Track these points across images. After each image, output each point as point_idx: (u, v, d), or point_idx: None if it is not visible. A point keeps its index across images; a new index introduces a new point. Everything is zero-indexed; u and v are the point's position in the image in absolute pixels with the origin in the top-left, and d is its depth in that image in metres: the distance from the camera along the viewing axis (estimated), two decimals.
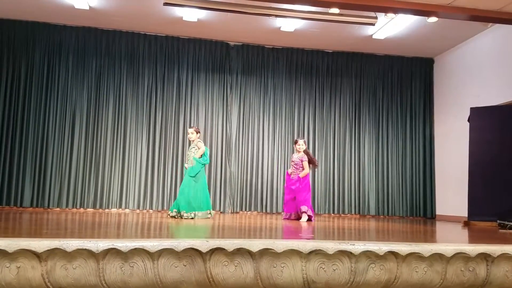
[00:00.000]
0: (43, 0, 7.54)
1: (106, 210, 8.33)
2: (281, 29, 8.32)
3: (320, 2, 6.03)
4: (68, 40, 8.60)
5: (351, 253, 2.66)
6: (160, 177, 8.69)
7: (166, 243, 2.49)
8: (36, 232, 3.33)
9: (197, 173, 6.31)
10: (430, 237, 4.29)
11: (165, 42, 8.96)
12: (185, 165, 6.64)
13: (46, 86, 8.44)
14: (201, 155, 6.40)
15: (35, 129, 8.30)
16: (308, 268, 2.63)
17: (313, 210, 7.05)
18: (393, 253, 2.72)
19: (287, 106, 9.33)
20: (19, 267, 2.35)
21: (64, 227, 3.91)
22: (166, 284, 2.50)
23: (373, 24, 7.18)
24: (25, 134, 8.23)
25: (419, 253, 2.74)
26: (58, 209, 8.16)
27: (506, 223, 6.02)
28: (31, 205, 8.10)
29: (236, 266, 2.57)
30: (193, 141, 6.54)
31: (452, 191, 8.84)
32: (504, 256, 2.89)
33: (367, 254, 2.68)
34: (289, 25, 8.13)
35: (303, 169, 6.88)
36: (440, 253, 2.77)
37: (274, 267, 2.60)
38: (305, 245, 2.63)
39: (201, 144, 6.47)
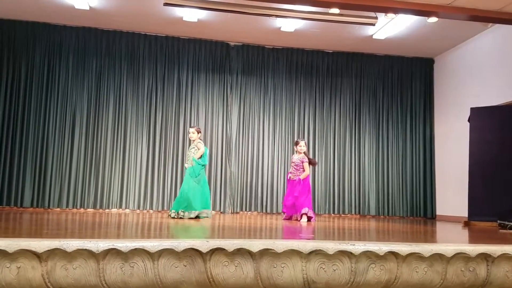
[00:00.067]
0: (43, 0, 7.54)
1: (106, 210, 8.33)
2: (281, 29, 8.32)
3: (320, 2, 6.03)
4: (68, 40, 8.60)
5: (351, 253, 2.66)
6: (160, 177, 8.69)
7: (166, 243, 2.49)
8: (36, 232, 3.33)
9: (198, 174, 6.31)
10: (430, 237, 4.29)
11: (165, 42, 8.96)
12: (185, 164, 6.64)
13: (46, 86, 8.44)
14: (201, 156, 6.39)
15: (35, 129, 8.30)
16: (308, 268, 2.63)
17: (314, 212, 7.04)
18: (393, 253, 2.72)
19: (287, 106, 9.33)
20: (19, 267, 2.35)
21: (64, 227, 3.91)
22: (166, 284, 2.50)
23: (373, 24, 7.18)
24: (25, 134, 8.23)
25: (419, 253, 2.74)
26: (58, 209, 8.16)
27: (506, 223, 6.02)
28: (31, 206, 8.11)
29: (236, 266, 2.57)
30: (193, 140, 6.53)
31: (452, 191, 8.84)
32: (504, 256, 2.89)
33: (367, 254, 2.68)
34: (289, 25, 8.13)
35: (304, 170, 6.87)
36: (440, 253, 2.77)
37: (274, 267, 2.60)
38: (305, 245, 2.63)
39: (201, 145, 6.46)
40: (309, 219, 6.55)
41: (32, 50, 8.45)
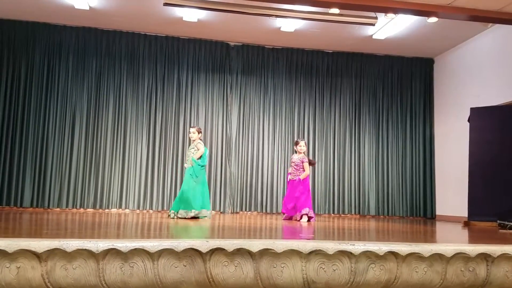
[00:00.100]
0: (43, 0, 7.54)
1: (106, 210, 8.33)
2: (281, 29, 8.32)
3: (320, 2, 6.03)
4: (68, 40, 8.60)
5: (351, 253, 2.66)
6: (160, 177, 8.69)
7: (166, 243, 2.49)
8: (36, 232, 3.33)
9: (197, 175, 6.31)
10: (430, 237, 4.29)
11: (165, 42, 8.96)
12: (185, 164, 6.64)
13: (46, 86, 8.45)
14: (200, 157, 6.38)
15: (35, 129, 8.30)
16: (308, 268, 2.63)
17: (314, 212, 7.04)
18: (393, 253, 2.72)
19: (287, 106, 9.33)
20: (19, 267, 2.35)
21: (64, 227, 3.91)
22: (166, 284, 2.50)
23: (373, 24, 7.18)
24: (25, 134, 8.23)
25: (419, 253, 2.74)
26: (58, 209, 8.16)
27: (506, 223, 6.02)
28: (31, 206, 8.11)
29: (236, 266, 2.57)
30: (194, 140, 6.52)
31: (452, 191, 8.84)
32: (504, 256, 2.88)
33: (367, 254, 2.68)
34: (289, 25, 8.13)
35: (304, 170, 6.87)
36: (440, 253, 2.77)
37: (274, 267, 2.60)
38: (305, 245, 2.63)
39: (201, 146, 6.44)
40: (309, 219, 6.55)
41: (32, 50, 8.45)
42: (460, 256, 2.81)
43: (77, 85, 8.58)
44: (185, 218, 6.07)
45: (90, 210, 8.24)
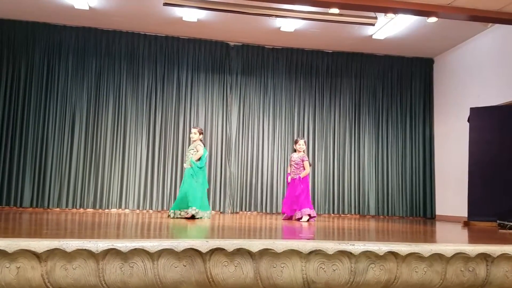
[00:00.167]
0: (43, 0, 7.54)
1: (106, 210, 8.33)
2: (281, 29, 8.32)
3: (320, 2, 6.03)
4: (68, 40, 8.60)
5: (351, 253, 2.66)
6: (160, 177, 8.69)
7: (166, 244, 2.49)
8: (36, 232, 3.33)
9: (198, 176, 6.30)
10: (430, 237, 4.29)
11: (165, 42, 8.96)
12: (184, 165, 6.63)
13: (46, 86, 8.45)
14: (199, 158, 6.37)
15: (35, 129, 8.30)
16: (308, 268, 2.63)
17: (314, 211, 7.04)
18: (393, 253, 2.72)
19: (287, 106, 9.33)
20: (19, 267, 2.35)
21: (64, 228, 3.91)
22: (166, 284, 2.50)
23: (373, 24, 7.18)
24: (25, 134, 8.23)
25: (419, 253, 2.74)
26: (58, 209, 8.16)
27: (506, 223, 6.02)
28: (31, 205, 8.11)
29: (236, 266, 2.57)
30: (194, 141, 6.51)
31: (452, 191, 8.84)
32: (504, 256, 2.88)
33: (367, 254, 2.68)
34: (289, 25, 8.14)
35: (304, 169, 6.87)
36: (440, 253, 2.77)
37: (274, 267, 2.60)
38: (305, 245, 2.63)
39: (200, 147, 6.41)
40: (309, 218, 6.57)
41: (31, 50, 8.45)
42: (460, 256, 2.81)
43: (77, 85, 8.58)
44: (185, 217, 6.07)
45: (90, 210, 8.24)
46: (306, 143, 7.32)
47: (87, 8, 7.69)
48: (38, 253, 2.35)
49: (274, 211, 8.94)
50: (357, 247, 2.67)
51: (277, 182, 9.07)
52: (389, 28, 8.12)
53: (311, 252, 2.63)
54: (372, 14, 6.88)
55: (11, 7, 7.88)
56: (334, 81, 9.58)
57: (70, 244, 2.38)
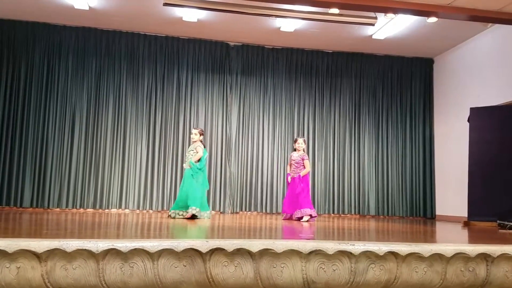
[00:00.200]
0: (43, 0, 7.54)
1: (106, 210, 8.33)
2: (281, 29, 8.32)
3: (320, 2, 6.03)
4: (68, 40, 8.60)
5: (351, 253, 2.66)
6: (160, 177, 8.69)
7: (166, 244, 2.49)
8: (36, 233, 3.33)
9: (198, 176, 6.30)
10: (430, 237, 4.29)
11: (165, 42, 8.96)
12: (184, 165, 6.63)
13: (46, 86, 8.45)
14: (198, 160, 6.36)
15: (35, 129, 8.30)
16: (308, 268, 2.63)
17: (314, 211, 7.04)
18: (393, 253, 2.72)
19: (287, 106, 9.33)
20: (19, 267, 2.35)
21: (64, 228, 3.91)
22: (166, 284, 2.50)
23: (373, 24, 7.18)
24: (25, 134, 8.23)
25: (419, 253, 2.74)
26: (58, 209, 8.16)
27: (506, 223, 6.02)
28: (31, 206, 8.11)
29: (236, 266, 2.57)
30: (195, 142, 6.50)
31: (452, 191, 8.84)
32: (504, 256, 2.89)
33: (367, 254, 2.68)
34: (289, 25, 8.14)
35: (304, 167, 6.88)
36: (440, 253, 2.77)
37: (274, 267, 2.60)
38: (305, 245, 2.63)
39: (200, 149, 6.39)
40: (311, 218, 6.58)
41: (31, 50, 8.45)
42: (460, 256, 2.81)
43: (77, 85, 8.58)
44: (185, 217, 6.07)
45: (90, 210, 8.24)
46: (306, 142, 7.31)
47: (87, 8, 7.69)
48: (38, 253, 2.35)
49: (274, 211, 8.94)
50: (357, 247, 2.67)
51: (277, 182, 9.07)
52: (389, 28, 8.12)
53: (311, 252, 2.63)
54: (372, 14, 6.88)
55: (11, 7, 7.88)
56: (334, 81, 9.58)
57: (70, 244, 2.38)
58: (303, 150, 7.04)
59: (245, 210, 8.94)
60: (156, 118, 8.81)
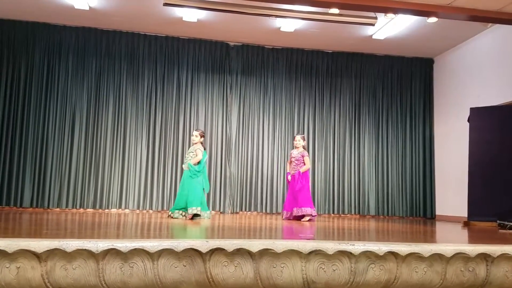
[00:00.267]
0: (43, 0, 7.54)
1: (106, 210, 8.33)
2: (281, 29, 8.32)
3: (320, 2, 6.03)
4: (68, 40, 8.60)
5: (351, 253, 2.66)
6: (160, 177, 8.69)
7: (166, 244, 2.49)
8: (36, 233, 3.33)
9: (197, 178, 6.30)
10: (430, 237, 4.29)
11: (165, 42, 8.96)
12: (183, 165, 6.63)
13: (46, 86, 8.45)
14: (198, 162, 6.35)
15: (35, 129, 8.30)
16: (308, 269, 2.63)
17: (315, 209, 7.03)
18: (393, 253, 2.72)
19: (287, 107, 9.33)
20: (19, 267, 2.35)
21: (64, 228, 3.91)
22: (166, 284, 2.51)
23: (373, 25, 7.18)
24: (25, 134, 8.23)
25: (419, 253, 2.74)
26: (58, 209, 8.16)
27: (506, 223, 6.02)
28: (31, 206, 8.10)
29: (236, 266, 2.57)
30: (195, 143, 6.49)
31: (452, 191, 8.84)
32: (504, 256, 2.89)
33: (367, 254, 2.68)
34: (289, 25, 8.14)
35: (304, 164, 6.88)
36: (440, 253, 2.77)
37: (274, 267, 2.61)
38: (305, 245, 2.63)
39: (200, 151, 6.36)
40: (311, 218, 6.58)
41: (32, 50, 8.45)
42: (460, 256, 2.81)
43: (77, 85, 8.58)
44: (186, 217, 6.07)
45: (90, 210, 8.24)
46: (305, 138, 7.30)
47: (87, 8, 7.70)
48: (38, 253, 2.35)
49: (274, 211, 8.94)
50: (357, 247, 2.68)
51: (277, 182, 9.07)
52: (389, 28, 8.12)
53: (311, 252, 2.63)
54: (372, 14, 6.88)
55: (11, 7, 7.88)
56: (334, 81, 9.58)
57: (70, 244, 2.38)
58: (303, 147, 7.04)
59: (245, 210, 8.94)
60: (156, 118, 8.81)
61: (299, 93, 9.41)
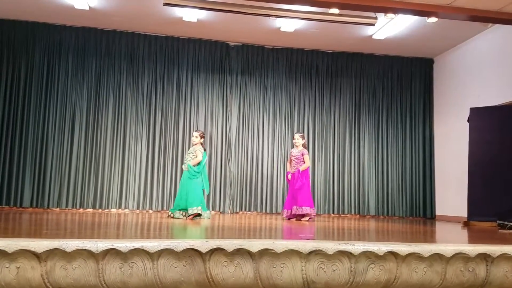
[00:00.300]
0: (43, 0, 7.54)
1: (106, 210, 8.33)
2: (281, 29, 8.32)
3: (320, 2, 6.03)
4: (68, 40, 8.60)
5: (350, 253, 2.66)
6: (160, 177, 8.69)
7: (165, 244, 2.49)
8: (35, 233, 3.33)
9: (196, 179, 6.30)
10: (429, 237, 4.29)
11: (165, 42, 8.96)
12: (183, 166, 6.63)
13: (46, 86, 8.44)
14: (197, 163, 6.34)
15: (35, 129, 8.30)
16: (308, 269, 2.63)
17: (314, 209, 7.02)
18: (392, 254, 2.72)
19: (287, 106, 9.33)
20: (19, 267, 2.35)
21: (64, 228, 3.91)
22: (166, 284, 2.50)
23: (373, 25, 7.18)
24: (25, 134, 8.23)
25: (419, 253, 2.74)
26: (57, 209, 8.16)
27: (506, 223, 6.02)
28: (31, 205, 8.10)
29: (235, 266, 2.57)
30: (195, 144, 6.49)
31: (452, 191, 8.84)
32: (504, 256, 2.89)
33: (367, 254, 2.68)
34: (289, 25, 8.13)
35: (304, 163, 6.88)
36: (439, 253, 2.77)
37: (274, 267, 2.60)
38: (304, 246, 2.63)
39: (200, 153, 6.35)
40: (311, 218, 6.58)
41: (32, 50, 8.45)
42: (459, 256, 2.81)
43: (77, 85, 8.57)
44: (186, 217, 6.07)
45: (90, 210, 8.24)
46: (304, 137, 7.30)
47: (87, 8, 7.69)
48: (38, 253, 2.35)
49: (274, 211, 8.94)
50: (357, 247, 2.68)
51: (277, 182, 9.07)
52: (389, 28, 8.12)
53: (311, 252, 2.63)
54: (372, 14, 6.88)
55: (11, 7, 7.88)
56: (334, 81, 9.58)
57: (70, 244, 2.38)
58: (302, 146, 7.04)
59: (245, 210, 8.94)
60: (156, 118, 8.81)
61: (299, 93, 9.41)
